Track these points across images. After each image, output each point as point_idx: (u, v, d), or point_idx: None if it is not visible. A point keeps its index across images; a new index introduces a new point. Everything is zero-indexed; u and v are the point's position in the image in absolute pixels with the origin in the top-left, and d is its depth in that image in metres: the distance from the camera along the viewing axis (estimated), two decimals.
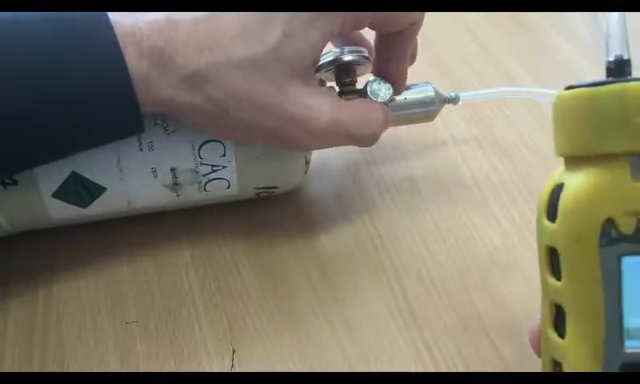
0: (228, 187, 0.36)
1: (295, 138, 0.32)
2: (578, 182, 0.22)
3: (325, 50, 0.34)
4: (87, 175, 0.34)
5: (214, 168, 0.35)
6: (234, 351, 0.33)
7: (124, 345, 0.33)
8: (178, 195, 0.36)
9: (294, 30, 0.31)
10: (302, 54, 0.31)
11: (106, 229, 0.37)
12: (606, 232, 0.21)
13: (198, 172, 0.35)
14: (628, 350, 0.22)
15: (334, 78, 0.37)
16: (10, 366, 0.32)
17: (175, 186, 0.35)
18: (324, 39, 0.32)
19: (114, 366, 0.32)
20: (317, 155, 0.39)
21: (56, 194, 0.34)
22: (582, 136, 0.22)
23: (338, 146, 0.35)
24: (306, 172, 0.38)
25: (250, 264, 0.37)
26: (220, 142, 0.34)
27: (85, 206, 0.35)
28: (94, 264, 0.37)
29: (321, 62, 0.35)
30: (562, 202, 0.22)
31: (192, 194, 0.36)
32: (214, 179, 0.35)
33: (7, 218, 0.34)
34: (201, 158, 0.34)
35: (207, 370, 0.32)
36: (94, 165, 0.34)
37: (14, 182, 0.33)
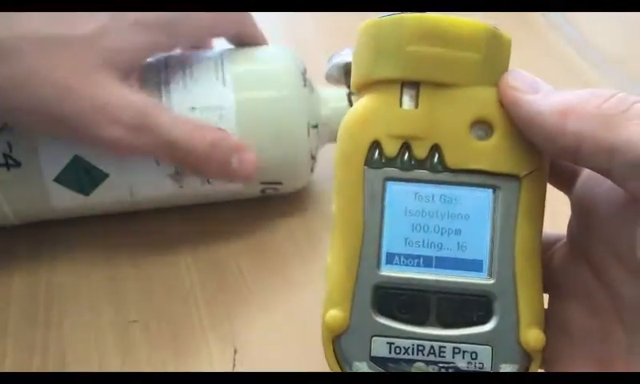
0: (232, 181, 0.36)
1: (97, 126, 0.30)
2: (354, 106, 0.23)
3: (339, 51, 0.34)
4: (90, 160, 0.34)
5: None
6: (235, 351, 0.32)
7: (125, 344, 0.33)
8: (181, 186, 0.35)
9: (117, 27, 0.31)
10: (120, 49, 0.31)
11: (107, 227, 0.38)
12: (371, 153, 0.22)
13: None
14: (383, 273, 0.22)
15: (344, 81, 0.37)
16: (11, 366, 0.32)
17: (177, 175, 0.35)
18: (148, 47, 0.32)
19: (114, 366, 0.32)
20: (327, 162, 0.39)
21: (58, 179, 0.34)
22: (364, 63, 0.22)
23: (151, 153, 0.33)
24: (312, 169, 0.38)
25: (252, 263, 0.37)
26: (224, 131, 0.34)
27: (87, 193, 0.35)
28: (95, 263, 0.36)
29: (332, 63, 0.35)
30: (340, 124, 0.23)
31: (195, 187, 0.36)
32: None
33: (9, 205, 0.34)
34: None
35: (208, 369, 0.32)
36: (96, 150, 0.33)
37: (17, 164, 0.33)
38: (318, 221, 0.39)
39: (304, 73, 0.36)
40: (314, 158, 0.37)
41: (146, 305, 0.35)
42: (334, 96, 0.38)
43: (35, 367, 0.32)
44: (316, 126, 0.36)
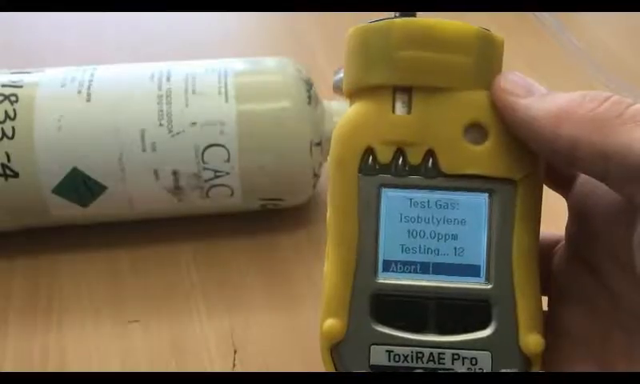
0: (231, 195, 0.36)
1: None
2: (347, 114, 0.22)
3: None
4: (88, 172, 0.34)
5: (217, 173, 0.35)
6: (235, 351, 0.32)
7: (125, 344, 0.33)
8: (179, 200, 0.35)
9: None
10: None
11: (107, 228, 0.37)
12: (365, 160, 0.22)
13: (200, 177, 0.34)
14: (380, 280, 0.22)
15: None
16: (11, 365, 0.32)
17: (177, 189, 0.35)
18: None
19: (114, 366, 0.32)
20: None
21: (56, 190, 0.34)
22: (355, 70, 0.22)
23: None
24: (314, 186, 0.38)
25: (253, 264, 0.37)
26: (224, 146, 0.34)
27: (85, 205, 0.35)
28: (95, 263, 0.36)
29: (339, 75, 0.35)
30: (333, 132, 0.23)
31: (194, 200, 0.36)
32: (217, 186, 0.35)
33: (8, 214, 0.34)
34: (204, 162, 0.34)
35: (209, 370, 0.32)
36: (95, 162, 0.34)
37: (16, 174, 0.33)
38: (319, 225, 0.39)
39: (309, 89, 0.36)
40: (316, 175, 0.37)
41: (146, 305, 0.35)
42: (338, 109, 0.37)
43: (35, 367, 0.32)
44: (319, 144, 0.36)
